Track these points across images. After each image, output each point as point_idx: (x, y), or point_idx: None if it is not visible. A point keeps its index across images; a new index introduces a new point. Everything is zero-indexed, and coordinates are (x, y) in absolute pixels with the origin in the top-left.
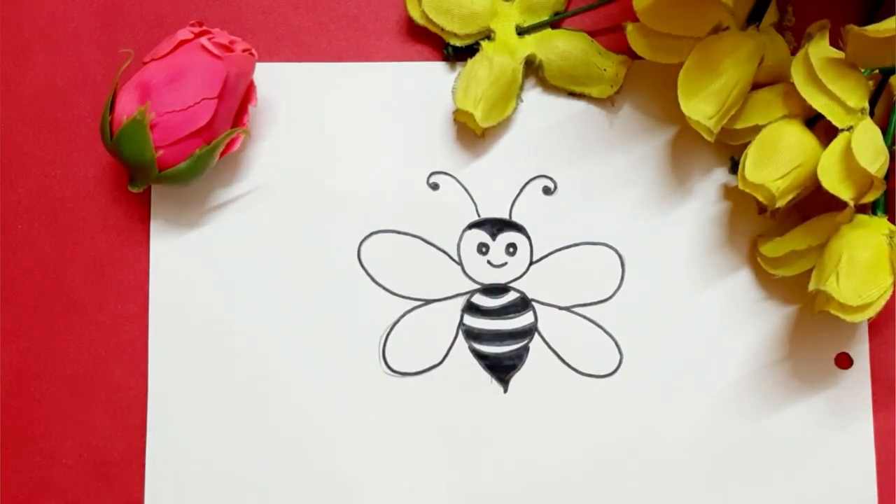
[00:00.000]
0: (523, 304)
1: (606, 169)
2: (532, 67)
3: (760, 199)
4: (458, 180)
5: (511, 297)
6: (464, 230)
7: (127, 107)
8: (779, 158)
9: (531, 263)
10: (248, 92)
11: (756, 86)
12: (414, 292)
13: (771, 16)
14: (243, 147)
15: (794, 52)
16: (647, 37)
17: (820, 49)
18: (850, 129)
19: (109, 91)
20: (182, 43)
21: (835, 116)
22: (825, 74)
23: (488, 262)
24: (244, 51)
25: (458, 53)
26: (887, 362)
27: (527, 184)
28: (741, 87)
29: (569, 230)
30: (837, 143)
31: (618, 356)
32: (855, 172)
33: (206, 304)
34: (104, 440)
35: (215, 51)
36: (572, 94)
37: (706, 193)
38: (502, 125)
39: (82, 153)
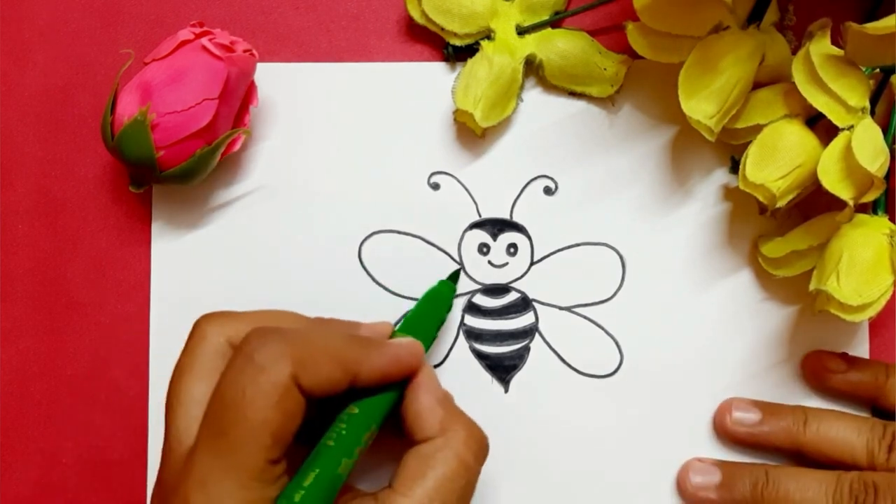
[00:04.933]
0: (524, 304)
1: (607, 169)
2: (532, 67)
3: (761, 199)
4: (458, 180)
5: (512, 297)
6: (465, 230)
7: (128, 107)
8: (779, 158)
9: (532, 264)
10: (249, 92)
11: (757, 85)
12: (414, 292)
13: (771, 15)
14: (244, 147)
15: (794, 52)
16: (648, 36)
17: (821, 48)
18: (850, 128)
19: (110, 91)
20: (183, 43)
21: (835, 115)
22: (826, 73)
23: (489, 262)
24: (245, 51)
25: (458, 53)
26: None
27: (528, 184)
28: (742, 86)
29: (569, 230)
30: (838, 143)
31: (618, 356)
32: (855, 172)
33: (207, 305)
34: (104, 440)
35: (216, 51)
36: (572, 94)
37: (707, 193)
38: (502, 125)
39: (83, 153)
